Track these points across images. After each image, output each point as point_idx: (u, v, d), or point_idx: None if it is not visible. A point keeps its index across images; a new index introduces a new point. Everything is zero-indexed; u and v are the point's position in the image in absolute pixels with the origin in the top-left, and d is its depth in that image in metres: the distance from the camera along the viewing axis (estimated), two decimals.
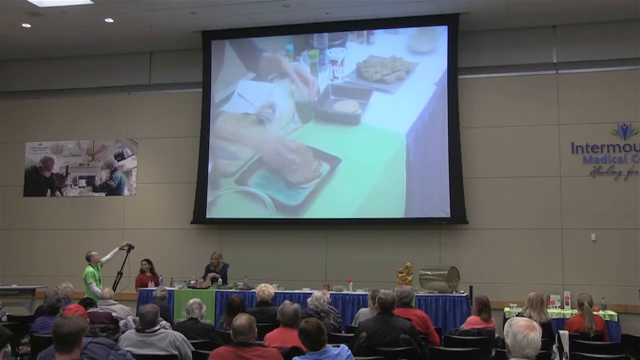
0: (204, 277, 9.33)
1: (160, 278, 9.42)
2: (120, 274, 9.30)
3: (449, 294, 8.19)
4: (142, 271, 9.64)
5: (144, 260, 9.69)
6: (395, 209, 9.49)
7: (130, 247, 9.40)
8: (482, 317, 6.09)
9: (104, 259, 9.06)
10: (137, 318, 5.29)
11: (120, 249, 9.37)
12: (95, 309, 6.62)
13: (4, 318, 7.14)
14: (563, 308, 8.44)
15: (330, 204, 9.48)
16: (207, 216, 8.72)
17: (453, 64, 9.50)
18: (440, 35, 9.48)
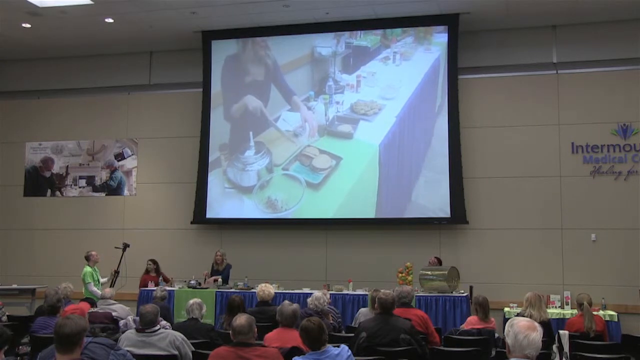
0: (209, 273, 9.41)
1: (160, 278, 9.41)
2: (116, 272, 9.30)
3: (449, 294, 8.19)
4: (147, 271, 9.62)
5: (149, 260, 9.67)
6: (397, 209, 9.58)
7: (125, 246, 9.41)
8: (480, 317, 6.07)
9: (101, 280, 9.07)
10: (137, 318, 5.29)
11: (115, 248, 9.39)
12: (95, 309, 6.62)
13: (4, 318, 7.12)
14: (563, 308, 8.44)
15: (331, 203, 9.74)
16: (264, 192, 10.39)
17: (453, 64, 9.58)
18: (439, 35, 9.65)
